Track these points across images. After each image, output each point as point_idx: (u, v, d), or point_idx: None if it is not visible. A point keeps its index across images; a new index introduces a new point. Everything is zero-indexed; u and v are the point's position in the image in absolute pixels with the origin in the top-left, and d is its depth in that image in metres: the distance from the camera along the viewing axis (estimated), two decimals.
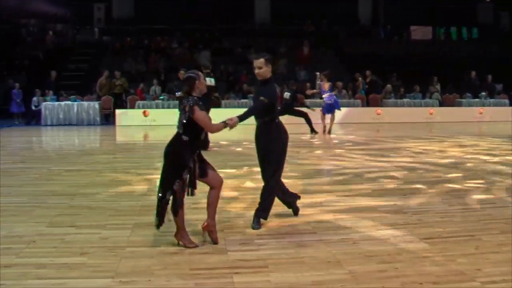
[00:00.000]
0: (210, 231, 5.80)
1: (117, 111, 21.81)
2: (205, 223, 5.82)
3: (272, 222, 6.58)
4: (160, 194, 5.67)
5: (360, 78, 24.75)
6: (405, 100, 24.35)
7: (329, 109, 17.90)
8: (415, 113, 23.43)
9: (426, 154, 12.69)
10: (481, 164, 11.15)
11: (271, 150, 6.40)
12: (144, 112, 21.53)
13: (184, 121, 5.61)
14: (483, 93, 24.75)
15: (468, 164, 11.17)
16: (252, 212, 6.64)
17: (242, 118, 6.07)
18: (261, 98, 6.29)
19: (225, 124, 5.85)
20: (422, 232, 6.16)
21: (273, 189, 6.51)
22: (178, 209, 5.61)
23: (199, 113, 5.55)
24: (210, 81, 12.44)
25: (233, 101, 22.87)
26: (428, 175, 9.93)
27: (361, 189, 8.63)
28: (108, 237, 5.98)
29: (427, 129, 20.16)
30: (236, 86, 25.54)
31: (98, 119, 21.96)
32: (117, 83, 23.35)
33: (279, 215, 6.88)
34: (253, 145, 6.60)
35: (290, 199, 6.95)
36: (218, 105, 21.73)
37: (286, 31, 31.87)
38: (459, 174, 9.96)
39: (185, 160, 5.64)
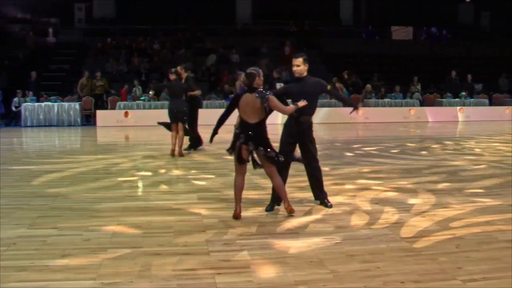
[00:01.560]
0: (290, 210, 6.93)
1: (98, 112, 21.71)
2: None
3: (254, 223, 6.60)
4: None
5: (336, 84, 24.82)
6: (386, 100, 24.48)
7: None
8: (396, 113, 23.57)
9: (405, 154, 12.79)
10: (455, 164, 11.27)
11: (311, 142, 7.30)
12: (125, 113, 21.44)
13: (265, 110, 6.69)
14: (463, 93, 24.98)
15: (444, 167, 11.28)
16: (227, 213, 6.92)
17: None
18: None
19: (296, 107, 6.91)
20: (403, 232, 6.21)
21: (318, 168, 7.43)
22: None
23: (273, 101, 6.66)
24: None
25: (214, 101, 22.83)
26: (411, 174, 10.01)
27: (342, 188, 8.67)
28: (90, 238, 5.96)
29: (408, 129, 20.29)
30: (217, 86, 25.51)
31: (78, 120, 21.81)
32: (98, 83, 23.25)
33: (260, 216, 6.90)
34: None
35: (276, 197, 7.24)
36: (199, 106, 21.69)
37: (268, 31, 31.92)
38: (438, 172, 10.06)
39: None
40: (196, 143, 13.34)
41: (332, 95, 7.31)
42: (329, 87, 7.55)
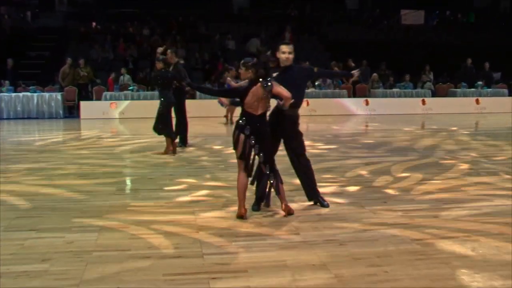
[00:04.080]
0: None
1: (82, 103, 21.66)
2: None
3: (251, 223, 6.59)
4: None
5: (336, 68, 24.81)
6: (395, 90, 24.41)
7: None
8: (405, 104, 23.51)
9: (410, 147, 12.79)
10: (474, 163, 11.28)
11: (296, 137, 7.27)
12: (111, 104, 21.41)
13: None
14: (480, 82, 24.91)
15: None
16: (222, 213, 6.98)
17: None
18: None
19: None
20: (414, 233, 6.20)
21: (307, 166, 7.36)
22: None
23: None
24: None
25: None
26: (422, 171, 10.00)
27: (348, 187, 8.66)
28: (73, 241, 5.93)
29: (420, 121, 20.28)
30: (212, 75, 25.47)
31: (61, 111, 21.77)
32: (82, 72, 23.17)
33: (258, 215, 6.89)
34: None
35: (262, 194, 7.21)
36: (192, 96, 21.64)
37: (267, 16, 31.83)
38: (457, 173, 10.07)
39: None
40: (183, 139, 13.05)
41: (323, 75, 7.41)
42: (315, 69, 7.58)
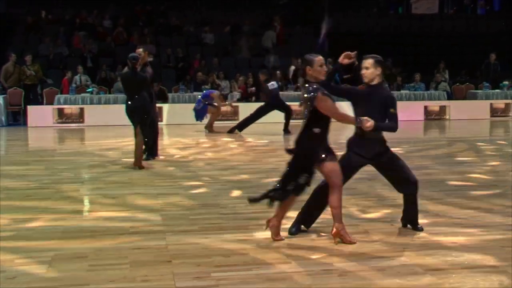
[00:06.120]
0: (341, 236, 6.78)
1: (30, 108, 21.53)
2: (333, 229, 6.78)
3: (234, 249, 6.59)
4: (278, 185, 6.80)
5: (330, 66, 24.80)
6: (403, 92, 24.34)
7: None
8: (416, 109, 23.44)
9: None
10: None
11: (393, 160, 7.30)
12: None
13: (307, 112, 6.60)
14: (506, 82, 24.82)
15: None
16: (200, 238, 6.89)
17: (379, 127, 6.89)
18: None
19: (359, 121, 6.65)
20: (428, 262, 6.20)
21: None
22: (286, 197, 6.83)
23: (324, 102, 6.50)
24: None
25: (183, 94, 22.67)
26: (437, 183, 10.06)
27: (348, 202, 8.68)
28: (15, 275, 5.86)
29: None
30: (187, 74, 25.43)
31: (3, 118, 21.64)
32: (29, 71, 22.97)
33: (241, 241, 6.88)
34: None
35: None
36: (164, 99, 21.61)
37: (252, 4, 31.80)
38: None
39: (318, 155, 6.66)
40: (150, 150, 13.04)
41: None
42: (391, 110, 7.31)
